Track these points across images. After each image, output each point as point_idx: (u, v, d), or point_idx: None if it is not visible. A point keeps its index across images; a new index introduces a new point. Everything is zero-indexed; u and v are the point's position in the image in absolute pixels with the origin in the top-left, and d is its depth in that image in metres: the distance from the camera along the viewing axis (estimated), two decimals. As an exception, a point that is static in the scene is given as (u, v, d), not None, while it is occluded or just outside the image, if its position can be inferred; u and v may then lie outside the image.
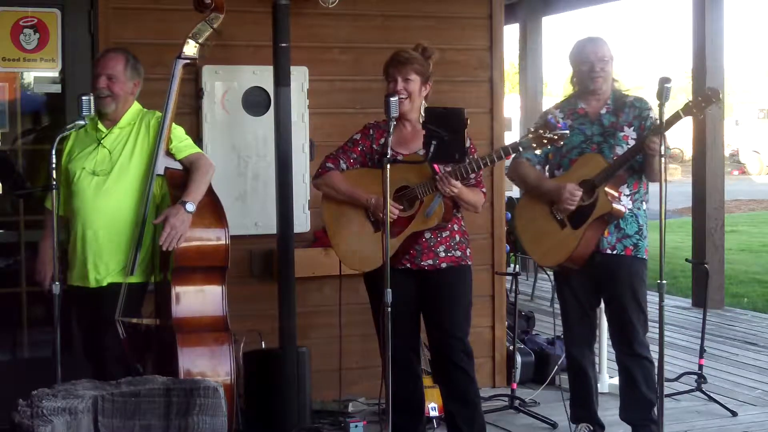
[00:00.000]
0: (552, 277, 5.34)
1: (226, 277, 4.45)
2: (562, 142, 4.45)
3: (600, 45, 4.84)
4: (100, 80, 4.43)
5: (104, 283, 4.39)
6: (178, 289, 4.30)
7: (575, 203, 4.70)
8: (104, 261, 4.39)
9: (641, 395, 4.85)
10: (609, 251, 4.78)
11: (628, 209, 4.77)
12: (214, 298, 4.37)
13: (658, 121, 4.37)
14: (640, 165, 4.75)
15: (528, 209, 4.99)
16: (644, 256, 4.85)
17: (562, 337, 5.15)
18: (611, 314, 4.95)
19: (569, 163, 4.84)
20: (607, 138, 4.79)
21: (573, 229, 4.75)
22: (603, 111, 4.84)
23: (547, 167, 4.97)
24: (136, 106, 4.55)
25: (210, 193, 4.42)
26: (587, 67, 4.80)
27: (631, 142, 4.75)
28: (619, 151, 4.74)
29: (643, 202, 4.88)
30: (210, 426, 3.59)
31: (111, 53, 4.57)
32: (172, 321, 4.28)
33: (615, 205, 4.70)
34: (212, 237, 4.38)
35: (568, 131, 4.47)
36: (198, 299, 4.34)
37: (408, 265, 4.62)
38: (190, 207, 4.27)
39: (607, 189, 4.70)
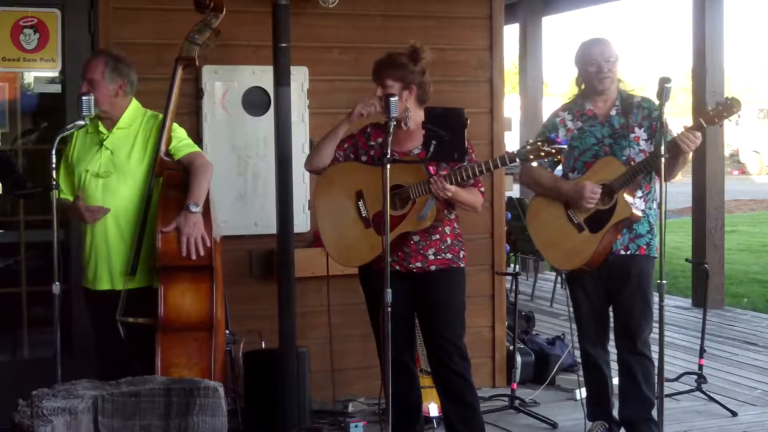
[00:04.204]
0: (558, 278, 5.31)
1: (220, 277, 4.39)
2: (559, 156, 4.44)
3: (606, 45, 4.83)
4: (83, 85, 4.41)
5: (115, 286, 4.38)
6: (162, 288, 4.26)
7: (595, 202, 4.70)
8: (114, 264, 4.39)
9: (642, 394, 4.85)
10: (622, 252, 4.80)
11: (641, 210, 4.78)
12: (201, 297, 4.29)
13: (659, 121, 4.38)
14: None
15: (541, 212, 4.95)
16: (655, 255, 4.85)
17: (576, 336, 5.09)
18: (620, 312, 4.93)
19: (583, 166, 4.82)
20: (618, 140, 4.78)
21: (591, 234, 4.75)
22: (613, 113, 4.82)
23: (559, 171, 4.95)
24: (134, 105, 4.52)
25: None
26: (595, 68, 4.78)
27: (642, 143, 4.76)
28: (631, 152, 4.73)
29: (654, 201, 4.89)
30: (210, 426, 3.58)
31: (93, 58, 4.53)
32: (158, 320, 4.25)
33: (634, 211, 4.71)
34: None
35: (566, 146, 4.46)
36: (184, 299, 4.28)
37: (396, 267, 4.57)
38: (194, 207, 4.24)
39: (624, 195, 4.70)
